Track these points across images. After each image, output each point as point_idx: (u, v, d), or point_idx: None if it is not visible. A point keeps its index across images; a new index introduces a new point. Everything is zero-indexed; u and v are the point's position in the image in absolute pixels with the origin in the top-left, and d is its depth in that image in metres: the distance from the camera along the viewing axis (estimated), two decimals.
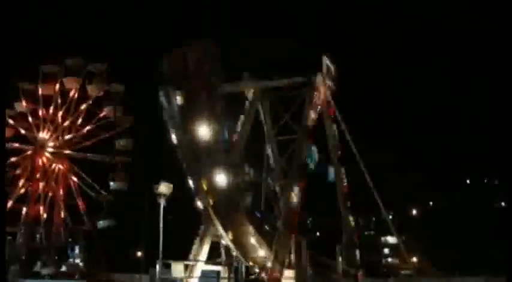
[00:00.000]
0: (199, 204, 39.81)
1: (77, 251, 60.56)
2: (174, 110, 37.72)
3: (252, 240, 39.64)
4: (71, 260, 60.23)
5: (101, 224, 61.17)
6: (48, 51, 62.88)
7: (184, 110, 37.61)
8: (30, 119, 62.32)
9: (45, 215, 62.08)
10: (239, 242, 39.23)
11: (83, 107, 62.87)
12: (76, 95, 62.62)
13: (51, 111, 62.53)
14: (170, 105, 37.75)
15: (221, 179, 37.90)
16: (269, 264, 39.45)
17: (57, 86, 61.93)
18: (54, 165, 62.82)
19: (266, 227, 42.90)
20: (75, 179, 63.14)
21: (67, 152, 62.95)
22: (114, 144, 61.82)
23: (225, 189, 38.24)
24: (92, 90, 61.94)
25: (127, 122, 62.22)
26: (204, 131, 37.42)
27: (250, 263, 39.48)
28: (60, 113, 62.71)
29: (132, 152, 62.18)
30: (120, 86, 61.83)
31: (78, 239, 60.77)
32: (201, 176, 37.88)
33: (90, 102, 62.71)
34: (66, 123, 63.00)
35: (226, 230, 38.68)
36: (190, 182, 38.90)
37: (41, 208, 61.80)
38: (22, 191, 61.38)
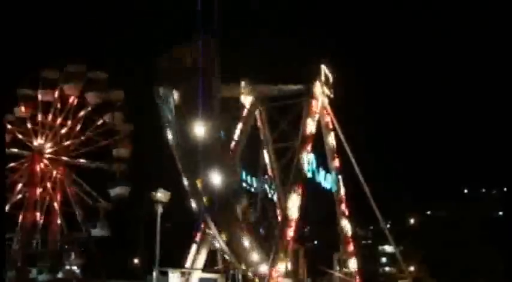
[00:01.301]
0: (193, 205, 39.15)
1: (73, 257, 60.35)
2: (170, 109, 37.11)
3: (246, 243, 39.08)
4: (67, 266, 60.11)
5: (114, 192, 59.98)
6: (49, 57, 62.96)
7: (180, 109, 36.97)
8: (28, 124, 62.17)
9: (42, 221, 61.80)
10: (232, 243, 38.66)
11: (82, 113, 62.76)
12: (75, 102, 62.54)
13: (50, 117, 62.45)
14: (166, 104, 37.21)
15: (216, 179, 37.19)
16: (262, 269, 39.16)
17: (57, 92, 61.91)
18: (51, 170, 62.57)
19: (261, 230, 42.54)
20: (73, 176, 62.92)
21: (64, 158, 62.75)
22: (113, 116, 61.29)
23: (219, 189, 37.44)
24: (91, 97, 61.92)
25: (126, 129, 62.09)
26: (200, 130, 36.68)
27: (243, 266, 39.12)
28: (59, 120, 62.61)
29: (130, 160, 61.97)
30: (120, 93, 61.81)
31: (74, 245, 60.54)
32: (197, 175, 37.23)
33: (89, 109, 62.58)
34: (65, 129, 62.91)
35: (220, 231, 37.98)
36: (185, 182, 38.19)
37: (38, 214, 61.56)
38: (19, 196, 61.12)
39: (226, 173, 37.95)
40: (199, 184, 36.94)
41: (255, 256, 39.28)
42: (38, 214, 61.73)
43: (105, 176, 61.53)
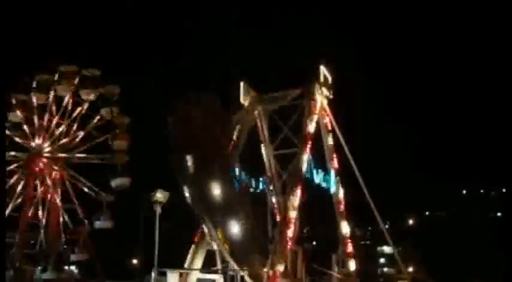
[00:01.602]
0: (214, 246, 41.05)
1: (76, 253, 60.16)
2: (186, 175, 38.71)
3: (265, 269, 39.96)
4: (66, 266, 60.03)
5: (115, 183, 59.46)
6: (41, 60, 62.51)
7: (196, 175, 38.60)
8: (25, 127, 61.90)
9: (44, 221, 61.56)
10: (253, 274, 39.87)
11: (78, 111, 62.57)
12: (70, 101, 62.37)
13: (46, 118, 62.22)
14: (182, 171, 38.73)
15: (235, 229, 39.17)
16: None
17: (51, 94, 61.78)
18: (51, 169, 62.30)
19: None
20: (72, 173, 62.54)
21: (63, 155, 62.47)
22: (111, 111, 61.18)
23: (238, 237, 39.42)
24: (86, 94, 61.80)
25: (124, 122, 61.87)
26: (216, 190, 38.77)
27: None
28: (55, 119, 62.40)
29: (129, 152, 61.70)
30: (115, 87, 61.68)
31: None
32: (216, 227, 39.05)
33: (85, 106, 62.39)
34: (62, 128, 62.67)
35: (242, 268, 39.48)
36: (205, 229, 40.08)
37: (39, 213, 61.36)
38: (19, 200, 60.78)
39: (243, 222, 39.80)
40: (219, 234, 38.86)
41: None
42: (40, 214, 61.48)
43: (104, 171, 61.34)
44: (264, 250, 41.14)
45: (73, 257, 60.00)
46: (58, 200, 61.74)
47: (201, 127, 38.59)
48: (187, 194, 39.26)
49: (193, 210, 40.32)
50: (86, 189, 61.78)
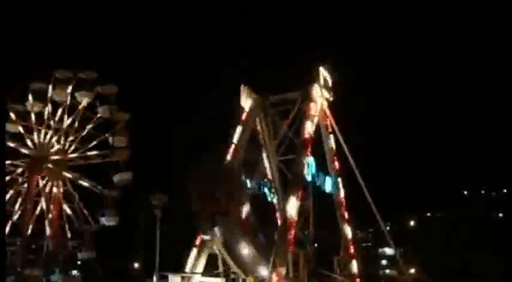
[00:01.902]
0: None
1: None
2: (217, 240, 40.64)
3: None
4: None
5: (116, 178, 59.39)
6: (36, 65, 62.53)
7: (225, 241, 40.52)
8: (24, 135, 61.68)
9: (47, 223, 61.42)
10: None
11: (76, 113, 62.39)
12: (68, 104, 62.26)
13: (44, 124, 62.05)
14: (212, 238, 41.09)
15: (265, 272, 40.46)
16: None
17: (48, 100, 61.68)
18: (52, 173, 62.18)
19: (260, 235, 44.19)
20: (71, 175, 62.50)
21: (64, 158, 62.32)
22: (110, 110, 61.17)
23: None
24: (83, 96, 61.68)
25: (124, 118, 61.73)
26: (244, 250, 40.75)
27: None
28: (53, 125, 62.25)
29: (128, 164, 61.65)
30: (113, 87, 61.54)
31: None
32: (247, 275, 40.38)
33: (84, 108, 62.23)
34: (61, 132, 62.48)
35: None
36: (236, 269, 41.14)
37: (43, 215, 61.26)
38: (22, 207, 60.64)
39: (271, 269, 40.88)
40: (251, 279, 40.37)
41: None
42: (44, 215, 61.35)
43: (106, 168, 61.25)
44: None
45: (80, 256, 60.02)
46: (62, 201, 61.74)
47: (224, 200, 40.54)
48: (216, 251, 41.65)
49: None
50: (89, 187, 61.80)
